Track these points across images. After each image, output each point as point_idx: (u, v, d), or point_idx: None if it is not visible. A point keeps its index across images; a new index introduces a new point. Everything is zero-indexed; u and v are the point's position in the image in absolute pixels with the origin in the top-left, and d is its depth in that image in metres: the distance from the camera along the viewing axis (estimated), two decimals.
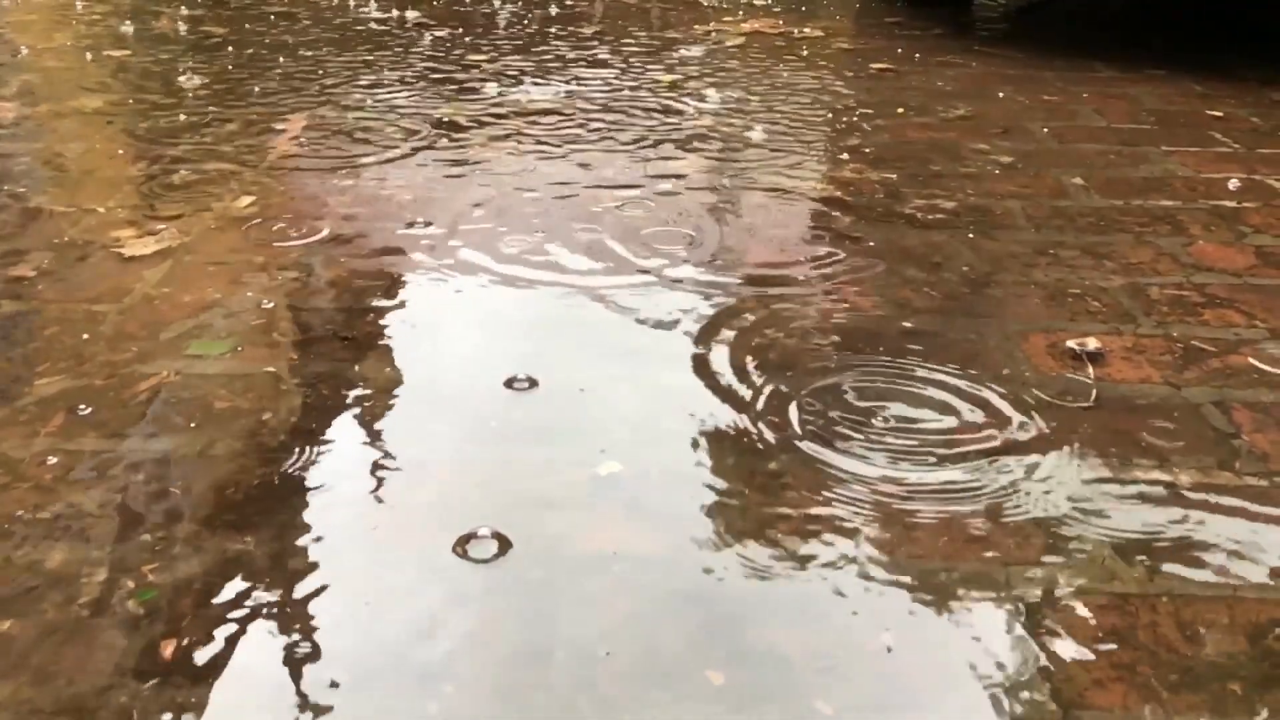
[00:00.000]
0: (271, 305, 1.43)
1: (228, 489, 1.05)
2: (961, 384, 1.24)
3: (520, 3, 3.67)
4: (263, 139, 2.14)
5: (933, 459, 1.10)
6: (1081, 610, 0.90)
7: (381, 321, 1.39)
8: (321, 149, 2.09)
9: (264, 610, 0.89)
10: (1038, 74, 2.74)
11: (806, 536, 0.98)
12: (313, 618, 0.89)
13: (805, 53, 2.99)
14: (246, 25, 3.26)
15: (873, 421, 1.17)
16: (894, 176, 1.96)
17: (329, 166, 1.98)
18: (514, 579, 0.93)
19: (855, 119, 2.34)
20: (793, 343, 1.34)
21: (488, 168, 1.98)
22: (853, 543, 0.98)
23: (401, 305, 1.44)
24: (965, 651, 0.86)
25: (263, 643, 0.86)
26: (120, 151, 2.09)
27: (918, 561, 0.96)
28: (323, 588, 0.92)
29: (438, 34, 3.16)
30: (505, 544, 0.97)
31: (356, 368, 1.28)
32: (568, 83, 2.61)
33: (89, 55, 2.89)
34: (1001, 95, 2.54)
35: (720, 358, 1.30)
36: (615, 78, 2.65)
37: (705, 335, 1.35)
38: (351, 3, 3.64)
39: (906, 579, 0.93)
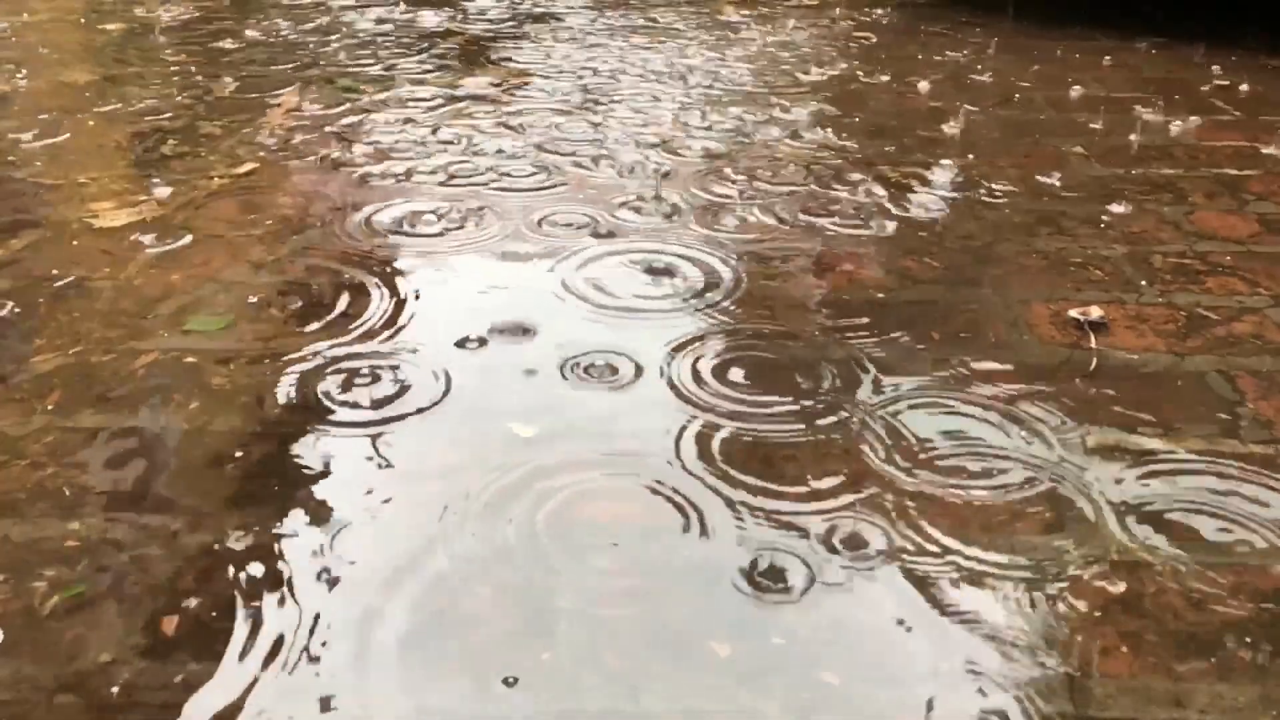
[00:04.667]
0: (269, 280, 1.42)
1: (226, 465, 1.04)
2: (961, 354, 1.24)
3: None
4: (259, 113, 2.12)
5: (937, 430, 1.10)
6: (1088, 578, 0.90)
7: (381, 295, 1.38)
8: (318, 123, 2.07)
9: (266, 584, 0.89)
10: (1037, 43, 2.72)
11: (812, 508, 0.98)
12: (313, 591, 0.88)
13: (801, 23, 2.96)
14: None
15: (878, 393, 1.16)
16: (891, 147, 1.94)
17: (326, 140, 1.97)
18: (519, 551, 0.93)
19: (854, 89, 2.32)
20: (794, 314, 1.33)
21: (492, 141, 1.96)
22: (859, 514, 0.97)
23: (400, 278, 1.42)
24: (972, 621, 0.86)
25: (264, 616, 0.86)
26: (113, 126, 2.07)
27: (924, 530, 0.95)
28: (323, 562, 0.92)
29: (433, 11, 3.13)
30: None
31: (356, 341, 1.27)
32: (561, 58, 2.58)
33: (78, 30, 2.86)
34: (1001, 65, 2.52)
35: (721, 334, 1.29)
36: (612, 49, 2.63)
37: (701, 310, 1.35)
38: None
39: (913, 548, 0.93)
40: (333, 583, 0.90)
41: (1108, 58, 2.57)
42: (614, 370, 1.20)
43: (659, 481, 1.02)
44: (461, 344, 1.26)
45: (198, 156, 1.88)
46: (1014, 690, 0.79)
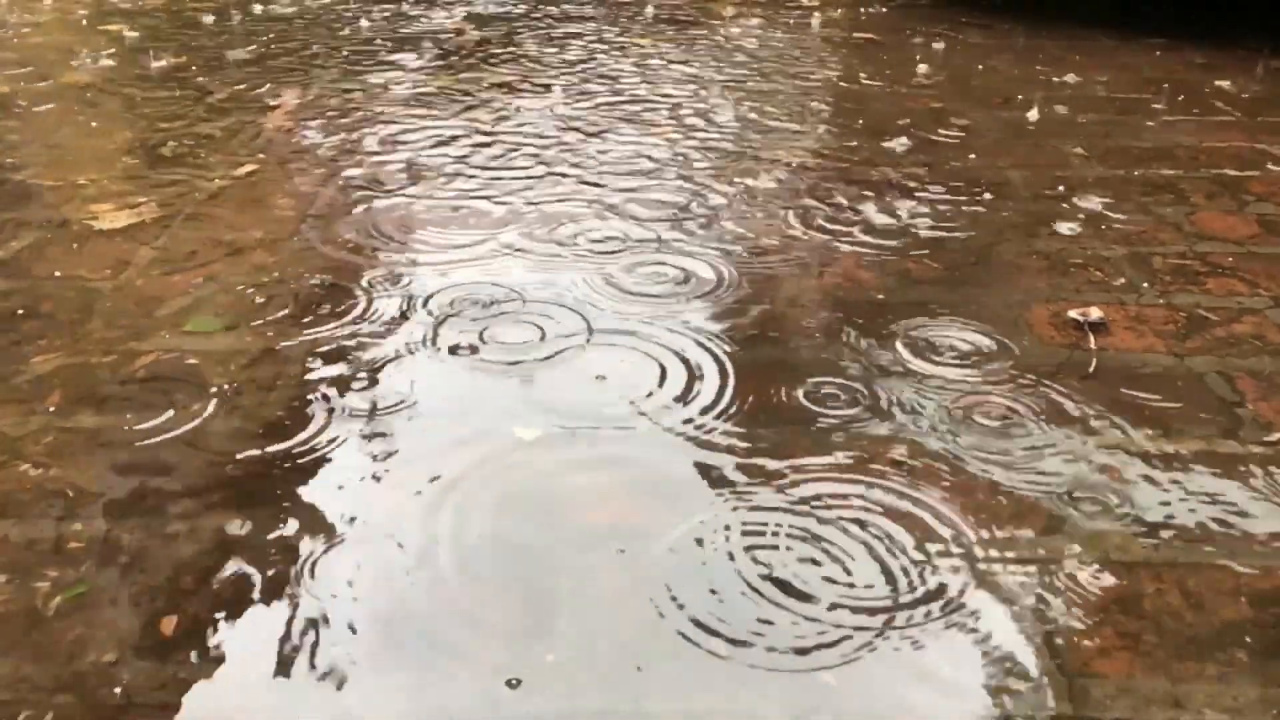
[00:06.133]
0: (269, 281, 1.42)
1: (226, 465, 1.04)
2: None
3: None
4: (259, 114, 2.12)
5: (941, 424, 1.10)
6: (1087, 579, 0.90)
7: (381, 296, 1.38)
8: (316, 123, 2.07)
9: (264, 585, 0.89)
10: (1037, 44, 2.72)
11: (810, 508, 0.98)
12: (313, 591, 0.88)
13: (801, 24, 2.96)
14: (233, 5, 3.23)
15: (875, 392, 1.16)
16: (892, 147, 1.94)
17: (326, 141, 1.97)
18: (521, 552, 0.93)
19: (854, 89, 2.32)
20: (793, 316, 1.33)
21: (494, 142, 1.96)
22: (855, 512, 0.97)
23: (399, 280, 1.42)
24: (970, 622, 0.86)
25: (263, 617, 0.86)
26: (113, 127, 2.07)
27: (924, 530, 0.95)
28: (323, 563, 0.92)
29: (437, 11, 3.13)
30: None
31: (355, 341, 1.27)
32: (563, 58, 2.58)
33: (80, 30, 2.86)
34: (1000, 66, 2.52)
35: (718, 332, 1.29)
36: (613, 49, 2.63)
37: (703, 310, 1.35)
38: None
39: (909, 547, 0.93)
40: (333, 584, 0.90)
41: (1108, 58, 2.57)
42: (619, 374, 1.20)
43: (664, 484, 1.02)
44: (455, 349, 1.26)
45: (198, 157, 1.89)
46: (1013, 691, 0.79)
